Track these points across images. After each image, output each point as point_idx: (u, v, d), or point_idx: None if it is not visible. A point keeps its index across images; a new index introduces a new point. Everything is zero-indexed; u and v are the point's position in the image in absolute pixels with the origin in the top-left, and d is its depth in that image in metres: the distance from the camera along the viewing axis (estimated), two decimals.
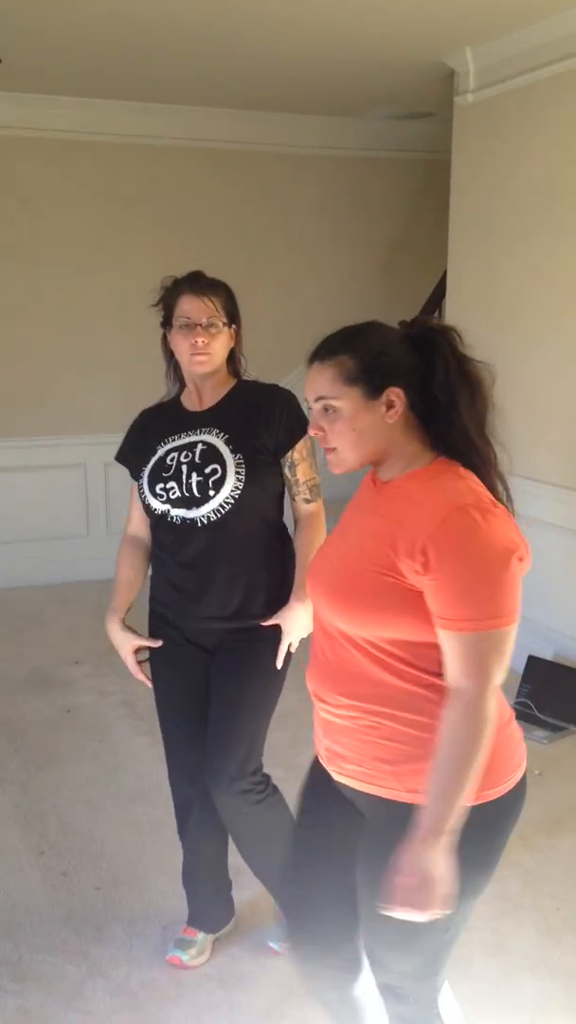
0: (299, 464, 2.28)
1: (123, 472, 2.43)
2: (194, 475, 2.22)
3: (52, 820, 3.16)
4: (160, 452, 2.30)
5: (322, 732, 1.68)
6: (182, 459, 2.25)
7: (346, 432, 1.56)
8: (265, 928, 2.56)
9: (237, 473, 2.21)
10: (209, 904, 2.52)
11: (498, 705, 1.55)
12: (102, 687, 4.15)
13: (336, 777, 1.67)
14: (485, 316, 4.52)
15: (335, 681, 1.61)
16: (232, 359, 2.36)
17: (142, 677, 2.35)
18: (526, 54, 4.09)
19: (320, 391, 1.57)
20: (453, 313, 4.81)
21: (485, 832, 1.57)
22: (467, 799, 1.48)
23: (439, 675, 1.54)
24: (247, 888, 2.62)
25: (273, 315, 5.46)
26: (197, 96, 5.19)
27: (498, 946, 2.57)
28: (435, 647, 1.52)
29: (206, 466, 2.22)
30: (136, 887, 2.80)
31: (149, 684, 2.37)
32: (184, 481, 2.23)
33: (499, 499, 1.58)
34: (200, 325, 2.24)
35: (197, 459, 2.24)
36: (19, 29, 3.91)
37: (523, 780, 1.64)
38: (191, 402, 2.35)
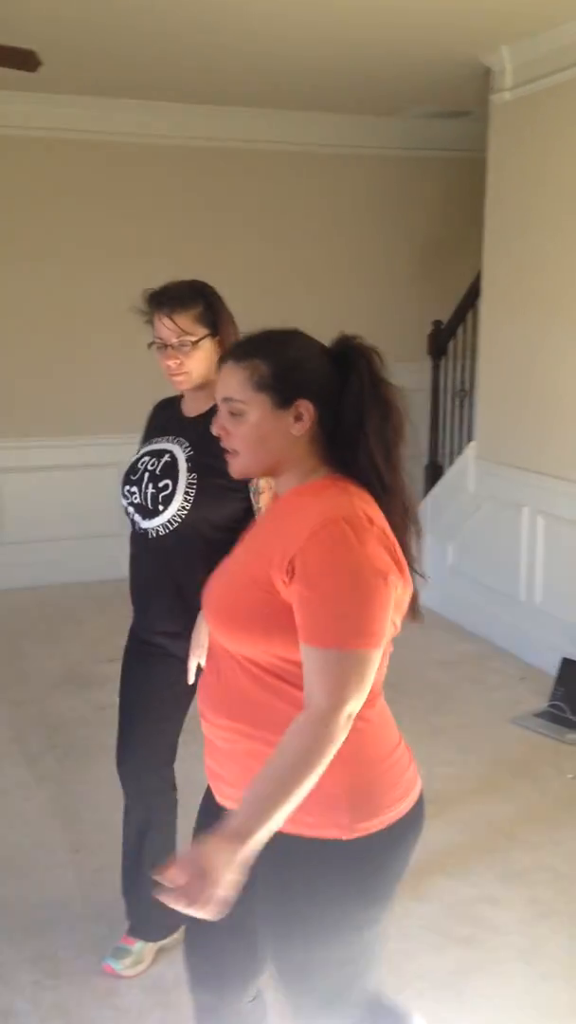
0: (264, 492, 2.21)
1: None
2: (150, 486, 2.22)
3: (87, 817, 3.19)
4: (140, 452, 2.32)
5: (207, 750, 1.63)
6: (149, 466, 2.26)
7: (249, 437, 1.52)
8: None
9: (186, 493, 2.18)
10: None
11: (367, 736, 1.49)
12: None
13: (217, 799, 1.62)
14: (520, 316, 4.49)
15: (217, 701, 1.57)
16: None
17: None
18: (563, 51, 4.05)
19: (229, 392, 1.53)
20: (487, 313, 4.79)
21: (362, 866, 1.50)
22: (282, 819, 1.38)
23: None
24: None
25: (308, 314, 5.45)
26: (230, 96, 5.20)
27: (531, 950, 2.56)
28: None
29: (161, 479, 2.21)
30: None
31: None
32: (143, 489, 2.24)
33: (398, 531, 1.52)
34: (171, 346, 2.20)
35: (158, 471, 2.23)
36: (48, 31, 3.94)
37: (412, 812, 1.55)
38: (186, 404, 2.35)
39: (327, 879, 1.50)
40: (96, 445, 5.64)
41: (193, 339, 2.19)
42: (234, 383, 1.52)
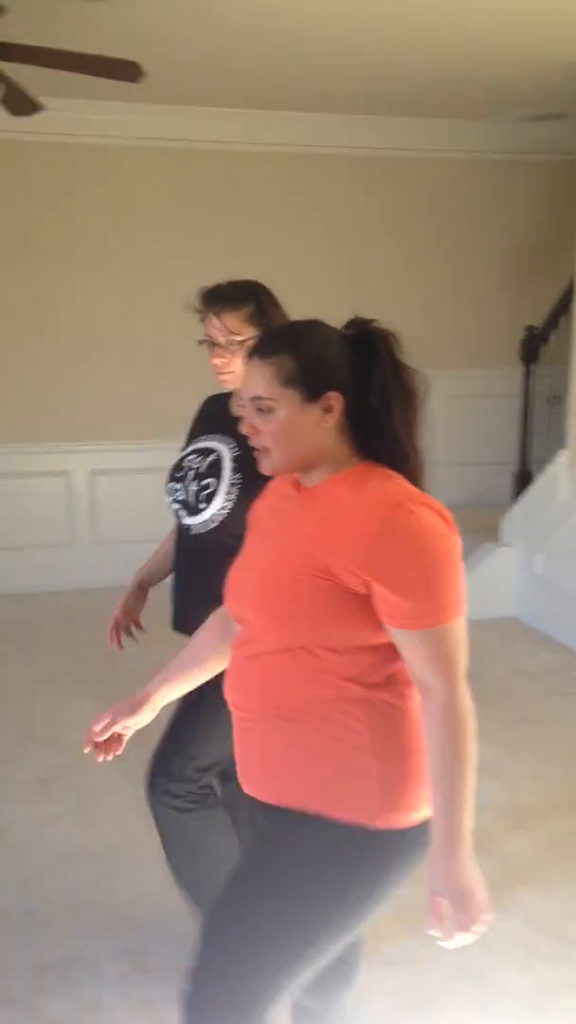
0: None
1: None
2: (194, 484, 2.24)
3: None
4: (186, 450, 2.34)
5: (236, 742, 1.63)
6: (194, 464, 2.27)
7: (279, 434, 1.49)
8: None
9: (228, 493, 2.18)
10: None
11: (405, 726, 1.50)
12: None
13: (245, 790, 1.62)
14: None
15: (247, 688, 1.58)
16: None
17: (108, 639, 2.60)
18: None
19: (256, 391, 1.50)
20: None
21: (376, 863, 1.49)
22: (470, 799, 1.43)
23: (357, 682, 1.49)
24: None
25: (399, 319, 5.45)
26: (324, 102, 5.23)
27: None
28: (361, 651, 1.48)
29: (205, 478, 2.22)
30: None
31: (115, 649, 2.62)
32: (187, 487, 2.26)
33: None
34: (219, 345, 2.21)
35: (203, 469, 2.24)
36: (151, 43, 4.03)
37: (426, 824, 1.51)
38: (235, 402, 2.33)
39: (340, 863, 1.48)
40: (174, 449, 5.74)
41: (240, 339, 2.19)
42: (261, 381, 1.49)
